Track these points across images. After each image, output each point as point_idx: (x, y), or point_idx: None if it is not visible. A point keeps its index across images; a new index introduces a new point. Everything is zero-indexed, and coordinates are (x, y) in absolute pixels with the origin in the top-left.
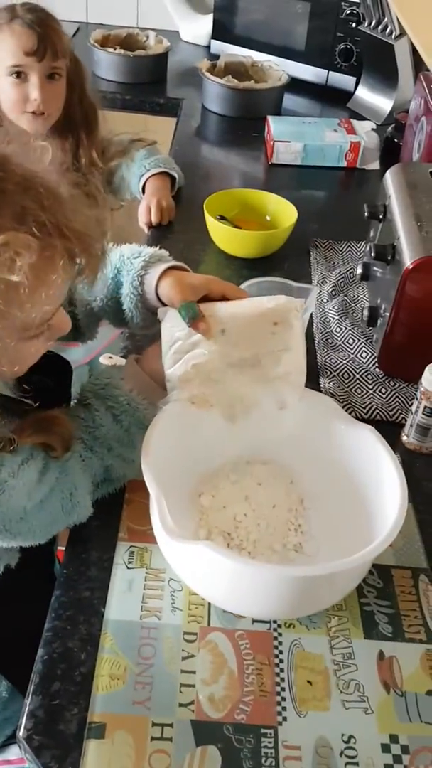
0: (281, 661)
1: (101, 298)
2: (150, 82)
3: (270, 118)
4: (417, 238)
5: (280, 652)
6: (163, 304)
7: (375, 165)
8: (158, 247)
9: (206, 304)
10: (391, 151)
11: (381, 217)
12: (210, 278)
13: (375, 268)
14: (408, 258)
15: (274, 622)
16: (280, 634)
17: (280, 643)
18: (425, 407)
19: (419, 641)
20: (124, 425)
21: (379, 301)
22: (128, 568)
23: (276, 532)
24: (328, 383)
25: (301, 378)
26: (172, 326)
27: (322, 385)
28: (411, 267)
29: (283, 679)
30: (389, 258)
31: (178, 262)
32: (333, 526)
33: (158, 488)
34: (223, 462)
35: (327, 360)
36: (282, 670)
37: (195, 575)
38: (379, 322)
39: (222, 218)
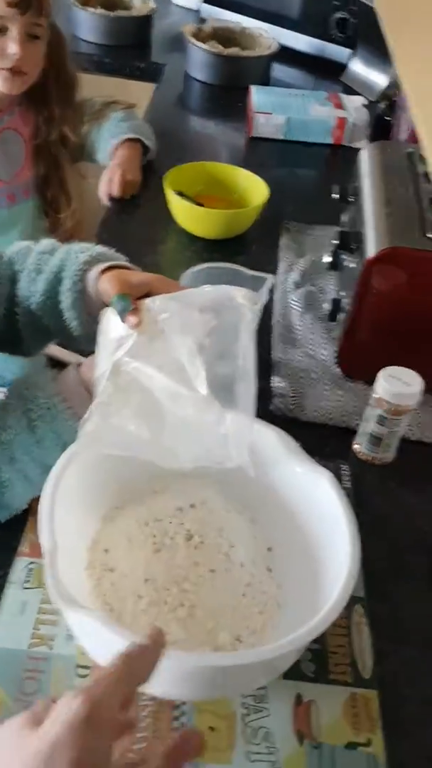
0: (183, 702)
1: (41, 292)
2: (133, 45)
3: (253, 88)
4: (384, 225)
5: None
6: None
7: (364, 144)
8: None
9: (147, 299)
10: (382, 130)
11: (351, 199)
12: (154, 276)
13: (343, 256)
14: (371, 248)
15: None
16: None
17: None
18: (378, 416)
19: (344, 684)
20: (37, 434)
21: (343, 294)
22: (24, 588)
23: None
24: (280, 382)
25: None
26: (108, 327)
27: (272, 384)
28: (374, 258)
29: (183, 724)
30: (353, 247)
31: (126, 262)
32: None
33: (52, 541)
34: (144, 506)
35: (283, 356)
36: (183, 713)
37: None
38: (340, 317)
39: (180, 194)
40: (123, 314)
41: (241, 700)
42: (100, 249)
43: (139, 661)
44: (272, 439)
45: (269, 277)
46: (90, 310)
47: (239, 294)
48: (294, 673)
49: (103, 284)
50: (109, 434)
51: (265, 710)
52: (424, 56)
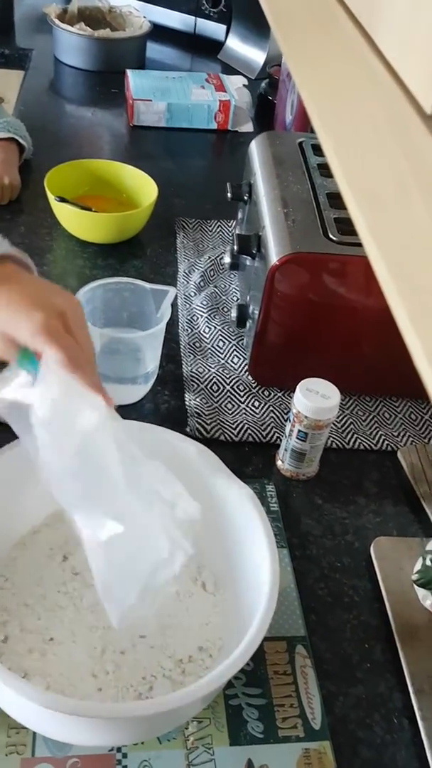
0: None
1: None
2: None
3: (129, 73)
4: (283, 228)
5: None
6: None
7: (249, 127)
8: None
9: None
10: (265, 110)
11: (246, 198)
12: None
13: (243, 256)
14: (274, 254)
15: None
16: (125, 756)
17: (125, 767)
18: (299, 431)
19: (295, 739)
20: None
21: (248, 299)
22: None
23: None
24: (194, 399)
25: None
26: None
27: (186, 403)
28: (277, 265)
29: None
30: (254, 251)
31: (20, 252)
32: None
33: None
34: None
35: (194, 369)
36: None
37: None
38: (248, 324)
39: (62, 200)
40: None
41: None
42: None
43: None
44: (192, 456)
45: (170, 289)
46: None
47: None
48: (243, 736)
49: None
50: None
51: None
52: (312, 47)
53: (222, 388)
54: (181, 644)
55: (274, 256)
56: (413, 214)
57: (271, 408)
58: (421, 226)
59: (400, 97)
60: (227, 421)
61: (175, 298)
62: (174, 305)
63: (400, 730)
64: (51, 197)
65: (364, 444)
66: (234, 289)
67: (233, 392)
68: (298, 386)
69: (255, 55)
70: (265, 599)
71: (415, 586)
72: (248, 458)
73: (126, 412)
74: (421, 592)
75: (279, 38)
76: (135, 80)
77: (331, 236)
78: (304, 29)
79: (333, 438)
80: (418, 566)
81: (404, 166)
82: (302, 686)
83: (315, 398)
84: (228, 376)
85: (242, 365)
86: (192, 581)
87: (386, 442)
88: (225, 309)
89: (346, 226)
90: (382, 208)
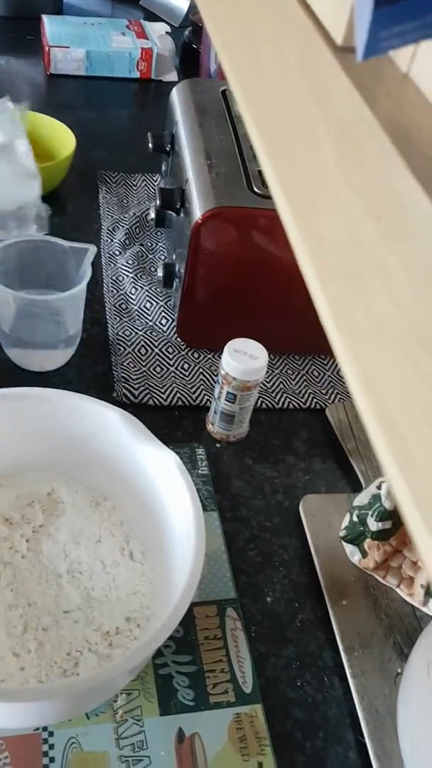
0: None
1: None
2: None
3: (45, 19)
4: (207, 182)
5: (52, 760)
6: None
7: (173, 76)
8: None
9: None
10: (190, 59)
11: (169, 149)
12: None
13: (168, 212)
14: (198, 209)
15: None
16: (51, 734)
17: (52, 746)
18: (228, 393)
19: (227, 704)
20: None
21: (174, 257)
22: None
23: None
24: (121, 363)
25: None
26: None
27: (113, 367)
28: (201, 220)
29: None
30: (178, 206)
31: None
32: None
33: None
34: None
35: (120, 332)
36: None
37: None
38: (175, 283)
39: None
40: None
41: (118, 752)
42: None
43: None
44: (115, 422)
45: (90, 247)
46: None
47: None
48: (173, 705)
49: None
50: None
51: (145, 759)
52: None
53: (150, 351)
54: (107, 616)
55: (198, 212)
56: (321, 163)
57: (200, 370)
58: (329, 178)
59: (313, 33)
60: (156, 385)
61: (99, 257)
62: (98, 265)
63: (331, 688)
64: None
65: (293, 403)
66: (161, 247)
67: (162, 355)
68: (225, 347)
69: (178, 2)
70: (190, 564)
71: (343, 543)
72: (178, 422)
73: (48, 378)
74: (348, 548)
75: None
76: (51, 26)
77: (255, 189)
78: None
79: (262, 398)
80: (345, 522)
81: (313, 110)
82: (233, 650)
83: (243, 359)
84: (156, 339)
85: (171, 327)
86: (119, 551)
87: (315, 400)
88: (152, 268)
89: None
90: (291, 158)
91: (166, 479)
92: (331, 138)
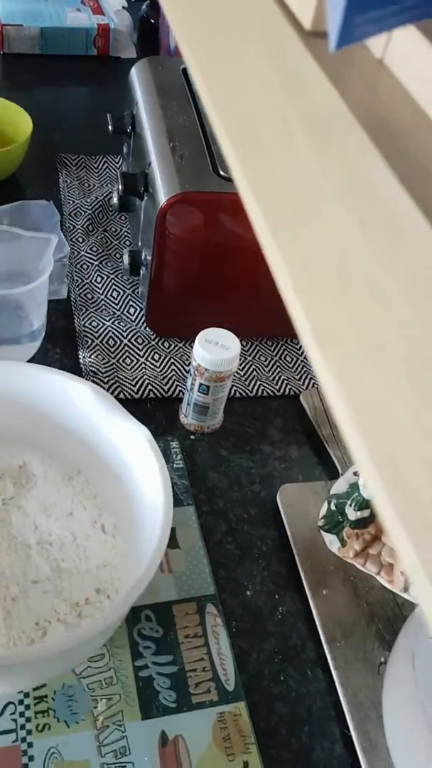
0: None
1: None
2: None
3: None
4: (171, 165)
5: None
6: None
7: (131, 52)
8: None
9: None
10: (148, 35)
11: (129, 131)
12: None
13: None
14: (162, 194)
15: (23, 729)
16: (30, 745)
17: (32, 758)
18: (200, 384)
19: (210, 704)
20: None
21: (140, 243)
22: None
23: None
24: (89, 356)
25: None
26: None
27: (81, 361)
28: (166, 205)
29: None
30: (142, 191)
31: None
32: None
33: None
34: None
35: (87, 324)
36: None
37: None
38: (142, 271)
39: None
40: None
41: (100, 760)
42: None
43: None
44: (88, 396)
45: (52, 237)
46: None
47: None
48: (155, 708)
49: None
50: None
51: (128, 765)
52: None
53: (119, 342)
54: (77, 587)
55: (162, 197)
56: (297, 162)
57: (172, 360)
58: (301, 167)
59: (279, 18)
60: (126, 377)
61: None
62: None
63: (314, 681)
64: None
65: (267, 390)
66: (126, 233)
67: (131, 346)
68: (197, 338)
69: None
70: (160, 522)
71: (322, 532)
72: (151, 415)
73: None
74: (327, 537)
75: None
76: (3, 4)
77: (221, 172)
78: None
79: (236, 386)
80: (323, 511)
81: (281, 97)
82: (214, 647)
83: (214, 349)
84: (125, 329)
85: (139, 316)
86: (91, 524)
87: (289, 386)
88: (117, 255)
89: None
90: (264, 162)
91: (137, 453)
92: (306, 135)
